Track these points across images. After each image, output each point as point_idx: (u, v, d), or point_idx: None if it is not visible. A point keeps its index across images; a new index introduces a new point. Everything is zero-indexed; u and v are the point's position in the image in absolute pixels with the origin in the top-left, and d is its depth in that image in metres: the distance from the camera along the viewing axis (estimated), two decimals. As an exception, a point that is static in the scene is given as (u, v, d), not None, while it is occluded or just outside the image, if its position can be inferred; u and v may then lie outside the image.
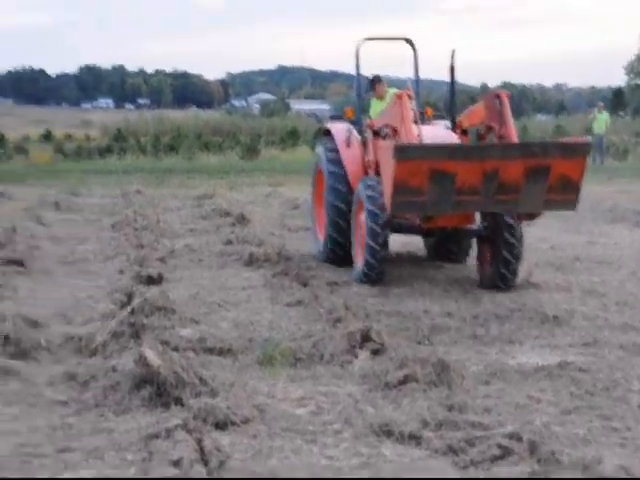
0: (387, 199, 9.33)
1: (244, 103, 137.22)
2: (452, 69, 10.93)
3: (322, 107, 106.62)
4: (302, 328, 8.22)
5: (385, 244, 10.03)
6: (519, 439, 5.14)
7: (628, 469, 4.65)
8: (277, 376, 6.79)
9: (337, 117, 12.67)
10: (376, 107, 11.83)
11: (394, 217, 10.07)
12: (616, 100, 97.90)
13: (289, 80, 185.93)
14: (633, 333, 8.32)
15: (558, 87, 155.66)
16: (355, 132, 11.60)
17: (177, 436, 5.14)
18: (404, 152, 8.92)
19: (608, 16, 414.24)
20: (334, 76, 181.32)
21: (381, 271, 10.12)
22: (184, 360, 6.36)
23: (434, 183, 8.87)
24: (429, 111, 11.84)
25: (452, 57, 10.82)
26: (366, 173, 11.20)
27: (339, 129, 11.84)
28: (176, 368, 6.13)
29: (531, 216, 9.82)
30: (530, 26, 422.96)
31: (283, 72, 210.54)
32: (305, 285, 10.06)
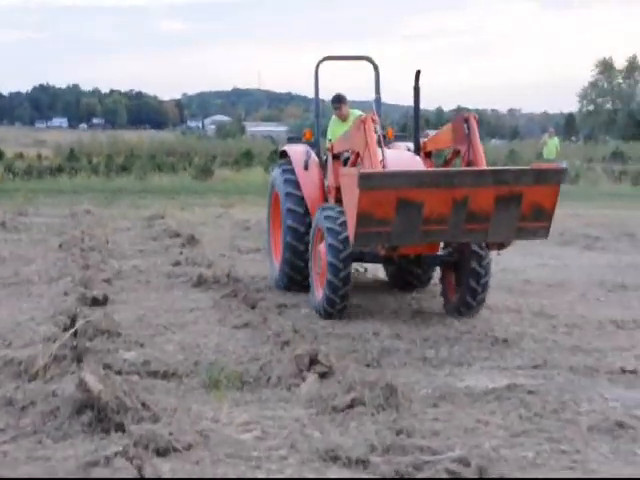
0: (350, 230, 8.77)
1: (199, 124, 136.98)
2: (417, 90, 10.43)
3: (278, 129, 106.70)
4: (249, 351, 8.08)
5: (347, 280, 9.47)
6: (467, 464, 5.05)
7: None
8: (222, 400, 6.63)
9: (295, 139, 12.17)
10: (337, 129, 11.27)
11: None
12: (568, 126, 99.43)
13: (245, 102, 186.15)
14: (582, 355, 8.30)
15: (512, 112, 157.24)
16: (314, 155, 11.28)
17: (117, 464, 4.97)
18: (369, 180, 8.32)
19: (563, 44, 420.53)
20: (290, 98, 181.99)
21: (343, 307, 9.59)
22: (127, 384, 6.16)
23: (400, 213, 8.38)
24: (390, 132, 11.46)
25: (417, 78, 10.31)
26: (325, 198, 10.87)
27: (297, 151, 11.47)
28: (118, 393, 5.94)
29: (501, 245, 9.31)
30: (485, 52, 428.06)
31: (239, 94, 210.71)
32: (253, 307, 9.93)
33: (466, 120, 9.39)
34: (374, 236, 8.56)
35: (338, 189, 10.09)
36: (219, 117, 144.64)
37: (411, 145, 10.89)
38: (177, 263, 13.14)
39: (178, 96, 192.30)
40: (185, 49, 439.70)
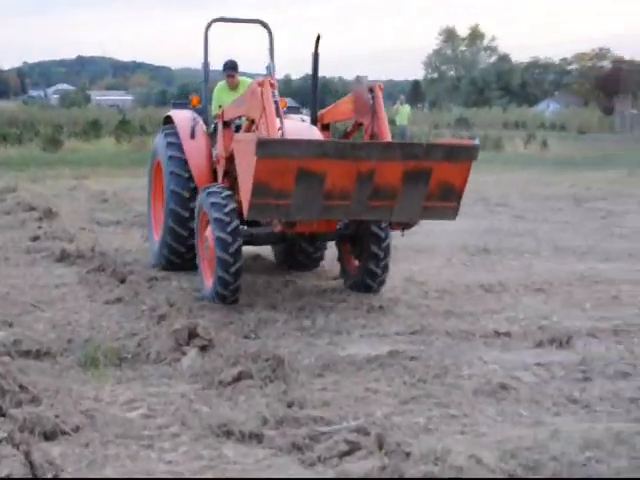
0: (244, 201, 7.96)
1: (42, 94, 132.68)
2: (316, 56, 9.61)
3: (124, 98, 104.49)
4: (124, 327, 7.87)
5: (238, 254, 8.65)
6: (366, 433, 5.03)
7: (478, 458, 4.62)
8: (102, 378, 6.43)
9: (180, 104, 11.34)
10: (225, 97, 10.42)
11: (248, 225, 9.30)
12: (414, 93, 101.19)
13: (89, 71, 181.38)
14: (455, 319, 8.45)
15: (359, 79, 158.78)
16: (202, 122, 10.56)
17: (3, 450, 4.74)
18: (267, 147, 7.60)
19: (407, 11, 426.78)
20: (136, 66, 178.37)
21: (236, 287, 8.76)
22: (1, 366, 5.89)
23: (300, 184, 7.71)
24: (284, 102, 10.27)
25: (316, 43, 9.49)
26: (212, 170, 10.19)
27: (183, 118, 10.66)
28: (-7, 375, 5.68)
29: (406, 225, 8.83)
30: (331, 20, 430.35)
31: (83, 62, 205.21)
32: (123, 281, 9.67)
33: (371, 90, 8.87)
34: (271, 208, 7.87)
35: (228, 159, 9.50)
36: (63, 86, 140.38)
37: (305, 117, 10.45)
38: (36, 238, 12.64)
39: (19, 64, 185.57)
40: (26, 16, 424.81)
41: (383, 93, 8.89)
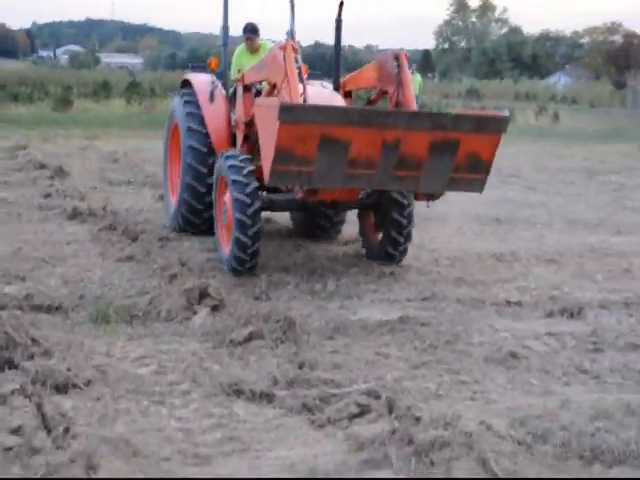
0: (265, 166, 7.71)
1: (51, 54, 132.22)
2: (339, 22, 9.49)
3: (134, 61, 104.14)
4: (136, 285, 7.87)
5: (257, 236, 8.38)
6: (377, 396, 5.03)
7: (488, 424, 4.62)
8: (114, 335, 6.44)
9: (198, 67, 10.99)
10: (245, 61, 10.20)
11: (268, 191, 9.07)
12: (424, 62, 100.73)
13: (99, 33, 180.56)
14: (467, 287, 8.45)
15: (369, 48, 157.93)
16: (220, 86, 10.27)
17: (15, 402, 4.75)
18: (291, 112, 7.36)
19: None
20: (146, 30, 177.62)
21: (255, 251, 8.45)
22: (13, 319, 5.91)
23: (324, 152, 7.47)
24: (305, 69, 9.43)
25: (340, 9, 9.38)
26: (231, 135, 9.97)
27: (201, 81, 10.39)
28: (6, 328, 5.69)
29: (431, 196, 8.49)
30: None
31: (92, 24, 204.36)
32: (135, 240, 9.65)
33: (396, 58, 8.60)
34: (293, 175, 7.63)
35: (247, 125, 9.31)
36: (72, 47, 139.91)
37: (327, 84, 10.10)
38: (48, 195, 12.65)
39: (28, 25, 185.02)
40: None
41: (409, 62, 8.68)
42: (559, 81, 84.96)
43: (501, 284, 8.62)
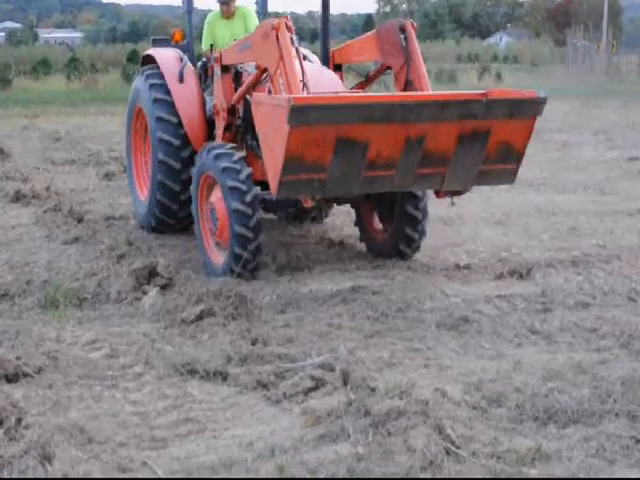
0: (272, 176, 6.64)
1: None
2: None
3: (73, 35, 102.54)
4: (83, 267, 7.78)
5: (258, 227, 7.32)
6: (331, 369, 5.06)
7: (443, 391, 4.65)
8: (63, 319, 6.37)
9: (161, 41, 9.61)
10: (220, 30, 9.04)
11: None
12: (367, 27, 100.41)
13: (36, 7, 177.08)
14: (416, 253, 8.43)
15: (310, 14, 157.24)
16: (189, 63, 9.02)
17: (-36, 394, 4.68)
18: (304, 114, 6.28)
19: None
20: (85, 3, 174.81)
21: (256, 265, 7.45)
22: (-41, 308, 5.82)
23: (340, 155, 6.52)
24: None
25: None
26: (206, 121, 8.75)
27: (167, 57, 9.08)
28: (-49, 317, 5.60)
29: (456, 192, 7.51)
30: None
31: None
32: (80, 221, 9.53)
33: (402, 29, 7.72)
34: (304, 185, 6.64)
35: (230, 111, 8.22)
36: (9, 24, 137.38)
37: (311, 55, 9.04)
38: (-11, 178, 12.43)
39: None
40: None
41: (416, 32, 7.80)
42: (500, 41, 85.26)
43: (450, 248, 8.66)
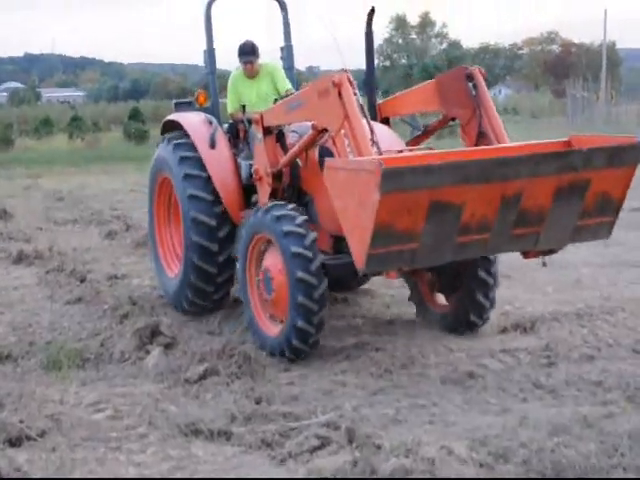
0: (358, 249, 5.92)
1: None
2: (369, 34, 7.84)
3: (76, 94, 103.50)
4: (86, 327, 7.80)
5: (324, 300, 6.69)
6: (337, 427, 5.02)
7: (449, 448, 4.62)
8: (66, 380, 6.36)
9: (184, 104, 8.87)
10: (243, 89, 8.46)
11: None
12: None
13: (39, 68, 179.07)
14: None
15: (311, 69, 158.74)
16: (219, 127, 8.34)
17: (-33, 460, 4.66)
18: (396, 179, 5.64)
19: (359, 1, 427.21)
20: (87, 62, 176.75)
21: (317, 340, 6.85)
22: (-39, 371, 5.81)
23: (432, 221, 5.91)
24: None
25: (369, 18, 7.71)
26: (244, 189, 8.07)
27: (195, 122, 8.33)
28: (-47, 381, 5.58)
29: (548, 252, 6.93)
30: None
31: (32, 60, 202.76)
32: (83, 280, 9.56)
33: (470, 77, 7.14)
34: (393, 257, 5.97)
35: (276, 176, 7.54)
36: (12, 84, 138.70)
37: None
38: (-8, 239, 12.48)
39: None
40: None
41: (486, 81, 7.21)
42: (500, 93, 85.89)
43: (454, 302, 8.61)
